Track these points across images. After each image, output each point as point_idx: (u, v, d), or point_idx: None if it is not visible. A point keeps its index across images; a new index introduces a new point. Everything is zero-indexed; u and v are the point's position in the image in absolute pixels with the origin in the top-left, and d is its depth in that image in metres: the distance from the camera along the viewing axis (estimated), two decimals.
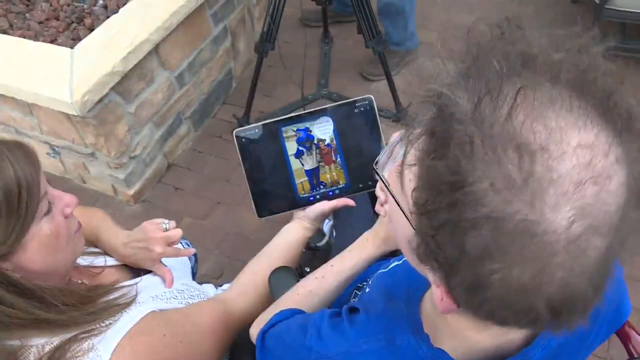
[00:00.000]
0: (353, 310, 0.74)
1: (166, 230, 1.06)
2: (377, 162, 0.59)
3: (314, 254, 1.38)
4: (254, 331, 0.91)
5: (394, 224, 0.58)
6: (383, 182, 0.57)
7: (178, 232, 1.06)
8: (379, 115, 1.11)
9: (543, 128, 0.41)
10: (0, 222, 0.73)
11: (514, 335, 0.60)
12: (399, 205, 0.53)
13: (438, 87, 0.46)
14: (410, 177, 0.50)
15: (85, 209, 1.19)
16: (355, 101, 1.10)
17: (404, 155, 0.52)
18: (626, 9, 2.39)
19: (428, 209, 0.46)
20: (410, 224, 0.50)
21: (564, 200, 0.41)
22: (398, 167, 0.53)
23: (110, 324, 0.85)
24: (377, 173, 0.58)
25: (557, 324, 0.47)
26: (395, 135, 0.59)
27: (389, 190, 0.55)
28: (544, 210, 0.41)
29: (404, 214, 0.52)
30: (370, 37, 2.21)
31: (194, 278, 1.49)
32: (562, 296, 0.44)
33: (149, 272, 1.05)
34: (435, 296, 0.52)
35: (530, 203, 0.41)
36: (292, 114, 1.10)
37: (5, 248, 0.75)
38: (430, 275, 0.51)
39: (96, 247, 1.11)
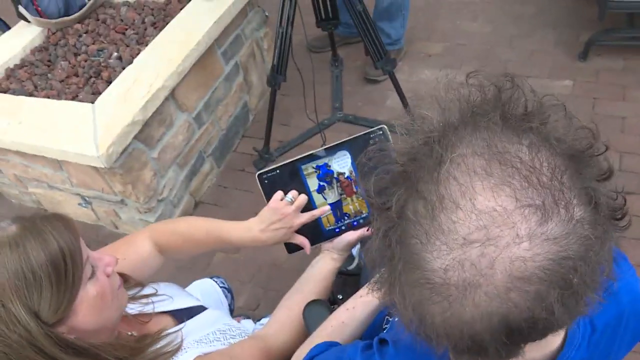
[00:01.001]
0: (383, 341, 0.78)
1: (292, 201, 1.14)
2: None
3: (344, 281, 1.42)
4: None
5: None
6: None
7: (304, 198, 1.15)
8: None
9: (458, 186, 0.46)
10: (52, 292, 0.79)
11: (534, 354, 0.63)
12: None
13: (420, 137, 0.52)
14: None
15: (165, 225, 1.31)
16: (369, 132, 1.14)
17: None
18: None
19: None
20: None
21: (447, 250, 0.46)
22: None
23: None
24: None
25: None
26: None
27: None
28: (432, 250, 0.46)
29: None
30: (378, 58, 2.26)
31: (231, 314, 1.55)
32: (450, 330, 0.48)
33: (191, 317, 1.10)
34: None
35: (427, 238, 0.47)
36: (310, 152, 1.15)
37: (59, 314, 0.81)
38: None
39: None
